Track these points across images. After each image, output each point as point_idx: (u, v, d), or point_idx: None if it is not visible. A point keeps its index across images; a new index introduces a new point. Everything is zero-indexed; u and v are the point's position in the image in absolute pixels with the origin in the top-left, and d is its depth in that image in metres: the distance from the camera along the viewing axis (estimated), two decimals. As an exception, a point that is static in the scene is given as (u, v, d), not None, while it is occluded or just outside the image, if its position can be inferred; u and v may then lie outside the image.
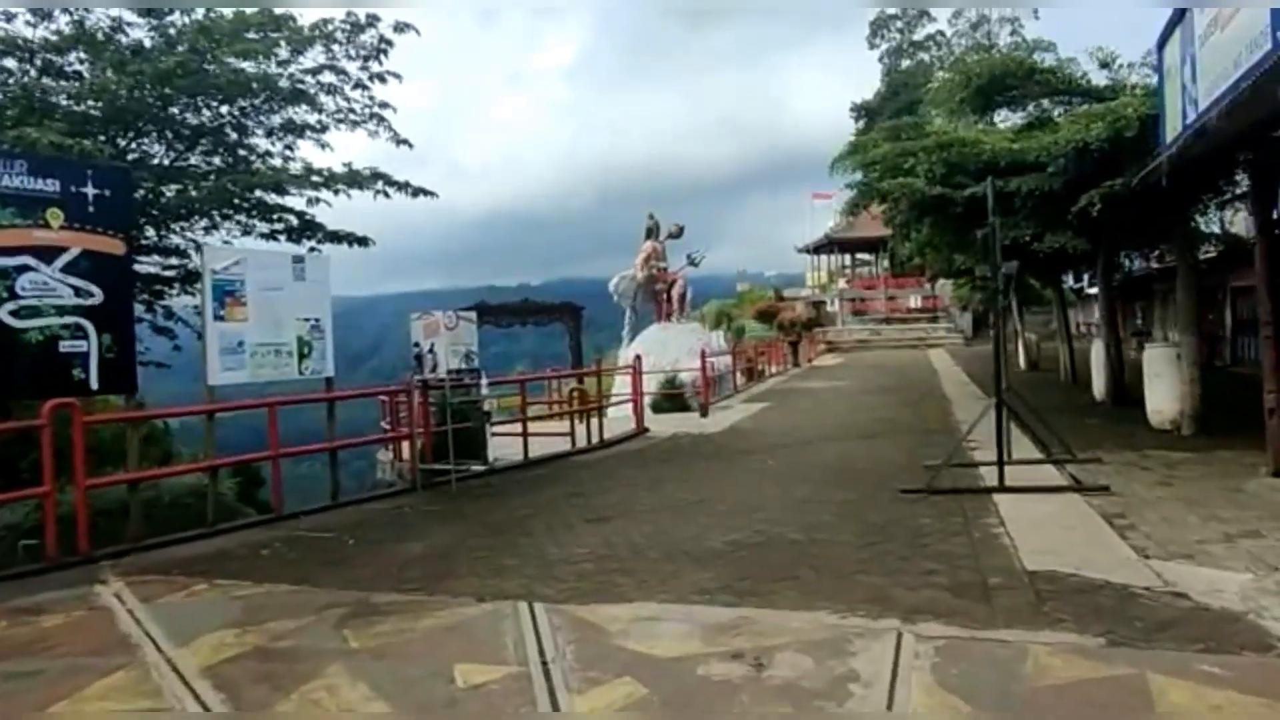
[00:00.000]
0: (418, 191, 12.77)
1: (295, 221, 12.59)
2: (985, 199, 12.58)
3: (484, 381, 10.99)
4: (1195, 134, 7.52)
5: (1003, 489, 9.32)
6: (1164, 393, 13.54)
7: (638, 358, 18.01)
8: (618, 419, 17.34)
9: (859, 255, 68.44)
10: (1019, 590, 5.98)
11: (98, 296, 8.24)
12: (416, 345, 10.92)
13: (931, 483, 9.56)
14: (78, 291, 8.14)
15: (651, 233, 31.07)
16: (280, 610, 6.13)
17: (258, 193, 11.76)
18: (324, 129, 12.59)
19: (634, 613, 5.80)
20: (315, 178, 11.74)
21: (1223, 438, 12.50)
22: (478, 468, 10.99)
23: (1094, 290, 44.15)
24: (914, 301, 59.06)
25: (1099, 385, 18.28)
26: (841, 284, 62.02)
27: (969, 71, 12.45)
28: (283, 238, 12.71)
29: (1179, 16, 8.46)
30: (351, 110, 12.47)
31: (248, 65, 11.07)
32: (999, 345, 10.11)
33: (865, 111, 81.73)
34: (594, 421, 15.07)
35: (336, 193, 11.94)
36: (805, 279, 67.56)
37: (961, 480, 10.03)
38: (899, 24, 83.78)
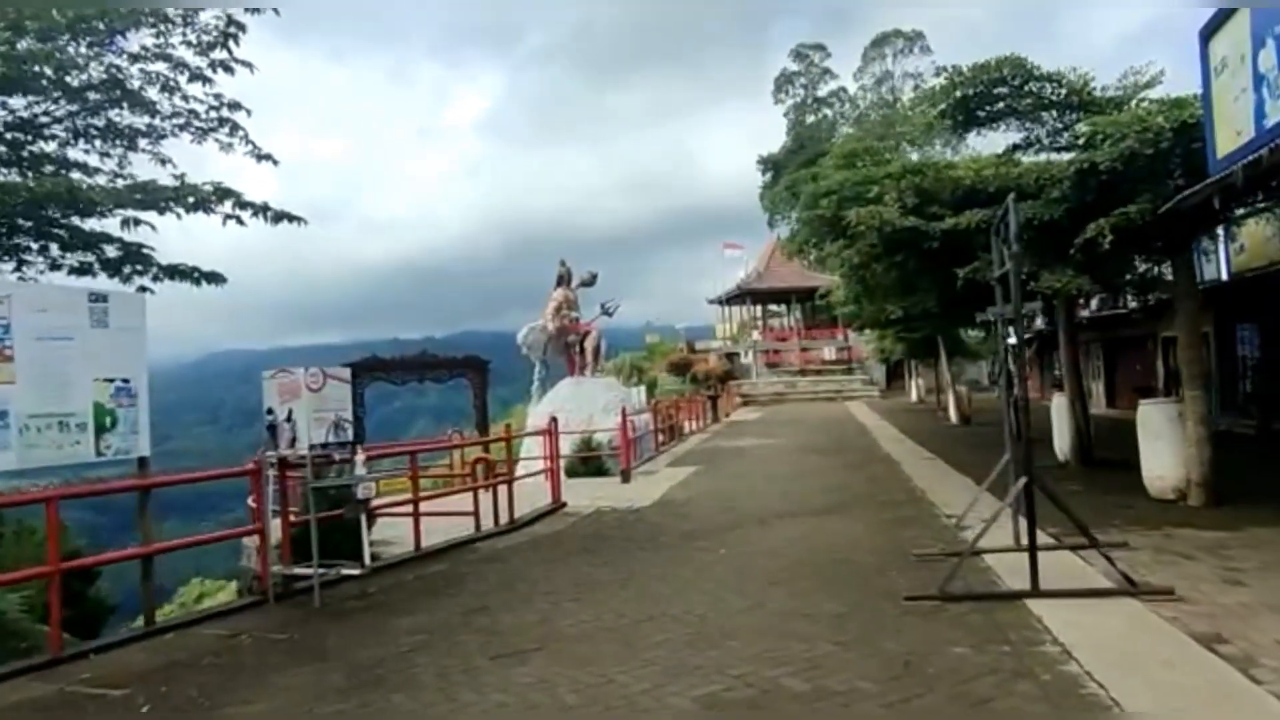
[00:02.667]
0: (280, 217, 10.23)
1: (112, 252, 9.87)
2: (965, 233, 10.79)
3: (359, 457, 8.46)
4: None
5: (1037, 593, 7.21)
6: (1166, 456, 11.75)
7: (553, 419, 15.60)
8: (529, 484, 14.86)
9: (770, 306, 67.56)
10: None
11: None
12: (270, 413, 8.34)
13: (945, 586, 7.39)
14: None
15: (563, 280, 28.79)
16: None
17: (52, 213, 9.06)
18: (159, 136, 10.01)
19: None
20: (138, 194, 9.09)
21: (1238, 508, 10.78)
22: (352, 571, 8.41)
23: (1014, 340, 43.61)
24: (828, 353, 58.05)
25: (1062, 444, 16.56)
26: (756, 335, 60.64)
27: (955, 78, 10.61)
28: (105, 274, 10.01)
29: (1251, -14, 6.68)
30: (194, 113, 9.93)
31: (27, 42, 8.44)
32: (1027, 405, 8.06)
33: (772, 164, 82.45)
34: (503, 494, 12.54)
35: (163, 212, 9.34)
36: (715, 331, 66.15)
37: (971, 577, 7.91)
38: (802, 80, 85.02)
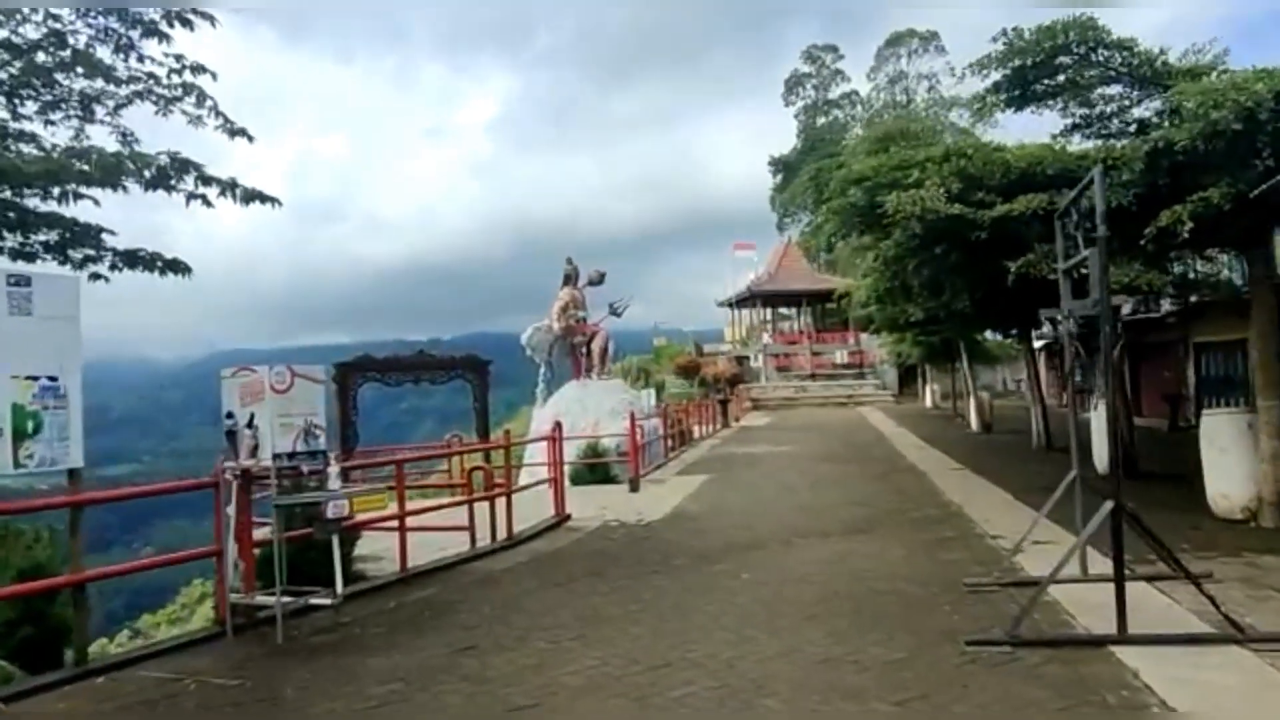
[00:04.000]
0: (251, 197, 9.15)
1: (53, 235, 8.69)
2: (1016, 222, 9.69)
3: (333, 468, 7.36)
4: None
5: (1125, 638, 6.10)
6: (1234, 472, 10.62)
7: (558, 424, 14.50)
8: (531, 491, 13.77)
9: (780, 309, 66.42)
10: None
11: None
12: (230, 417, 7.26)
13: (1015, 629, 6.27)
14: None
15: (569, 279, 27.72)
16: None
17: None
18: (119, 105, 8.90)
19: None
20: (78, 163, 7.96)
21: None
22: (321, 601, 7.31)
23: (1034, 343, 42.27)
24: (840, 357, 56.89)
25: (1102, 455, 15.39)
26: (766, 338, 59.52)
27: (1015, 43, 9.39)
28: (51, 258, 8.89)
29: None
30: (153, 77, 8.82)
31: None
32: (1116, 415, 6.96)
33: (783, 165, 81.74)
34: (501, 506, 11.43)
35: (115, 188, 8.25)
36: (724, 334, 65.01)
37: (1038, 614, 6.79)
38: (814, 82, 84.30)
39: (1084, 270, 7.06)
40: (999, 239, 9.73)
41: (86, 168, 8.02)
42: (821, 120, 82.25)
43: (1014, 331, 27.27)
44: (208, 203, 8.95)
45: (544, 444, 15.18)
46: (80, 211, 9.18)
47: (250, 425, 7.10)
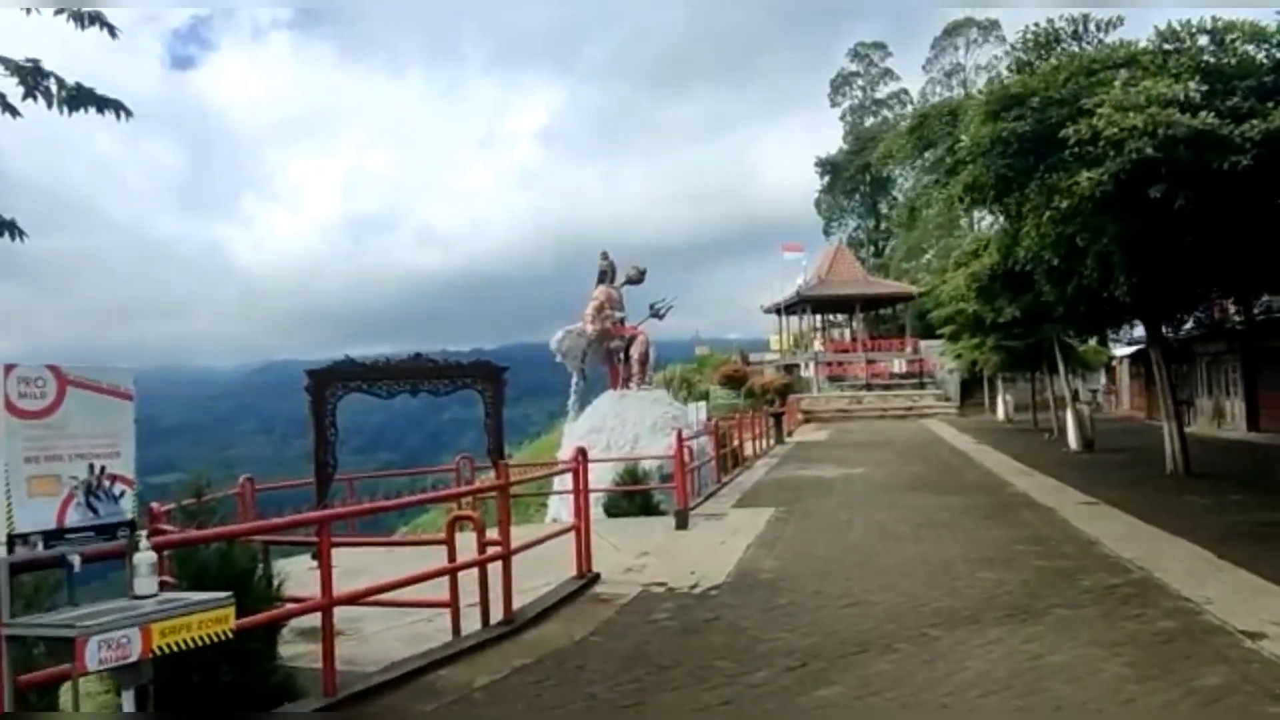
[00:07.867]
0: (81, 99, 5.83)
1: None
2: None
3: (142, 555, 3.97)
4: None
5: None
6: None
7: (581, 452, 10.98)
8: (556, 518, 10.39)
9: (830, 316, 62.67)
10: None
11: None
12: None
13: None
14: None
15: (605, 276, 24.42)
16: None
17: None
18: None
19: None
20: None
21: None
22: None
23: (1120, 351, 38.17)
24: (897, 365, 53.01)
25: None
26: (817, 346, 55.78)
27: None
28: None
29: None
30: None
31: None
32: None
33: (830, 166, 79.14)
34: (497, 573, 7.99)
35: None
36: (769, 342, 61.40)
37: None
38: (861, 82, 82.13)
39: None
40: (1267, 167, 6.15)
41: None
42: (869, 120, 79.40)
43: (1112, 333, 23.57)
44: (12, 109, 5.73)
45: (573, 466, 11.75)
46: None
47: (-20, 480, 3.73)
